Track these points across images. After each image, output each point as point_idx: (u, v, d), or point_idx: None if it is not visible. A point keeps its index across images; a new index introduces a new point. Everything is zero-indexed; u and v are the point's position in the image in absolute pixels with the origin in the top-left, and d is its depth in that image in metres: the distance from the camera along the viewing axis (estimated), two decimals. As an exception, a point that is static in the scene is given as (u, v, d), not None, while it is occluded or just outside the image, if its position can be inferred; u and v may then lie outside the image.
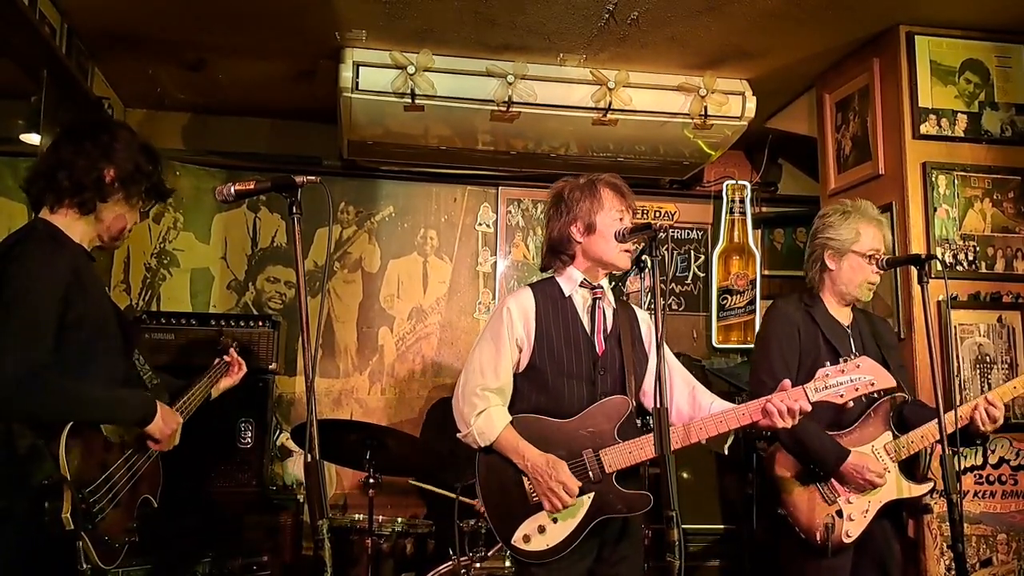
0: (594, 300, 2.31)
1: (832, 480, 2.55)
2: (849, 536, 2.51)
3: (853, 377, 2.19)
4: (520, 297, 2.31)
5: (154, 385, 2.26)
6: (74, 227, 2.00)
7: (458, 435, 2.25)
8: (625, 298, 2.39)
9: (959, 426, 2.49)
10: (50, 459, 1.76)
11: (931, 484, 2.61)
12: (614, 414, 2.18)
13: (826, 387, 2.18)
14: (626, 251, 2.27)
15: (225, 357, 2.63)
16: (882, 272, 2.68)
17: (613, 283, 2.46)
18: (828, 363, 2.60)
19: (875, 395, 2.37)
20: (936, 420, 2.49)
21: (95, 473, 1.88)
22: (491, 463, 2.20)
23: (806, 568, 2.56)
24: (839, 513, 2.52)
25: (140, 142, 2.11)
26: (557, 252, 2.35)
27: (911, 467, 2.63)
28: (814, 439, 2.50)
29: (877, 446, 2.58)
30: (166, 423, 2.07)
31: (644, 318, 2.44)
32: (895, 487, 2.57)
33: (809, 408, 2.17)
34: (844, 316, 2.74)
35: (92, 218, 2.02)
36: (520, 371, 2.28)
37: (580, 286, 2.32)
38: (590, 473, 2.14)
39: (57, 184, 1.97)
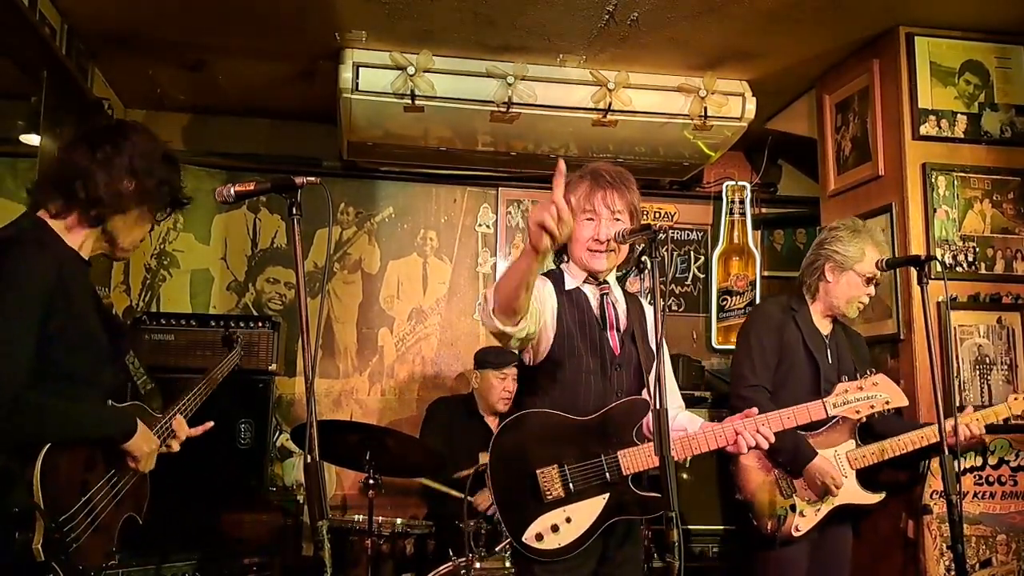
0: (601, 296, 2.26)
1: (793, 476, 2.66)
2: (798, 531, 2.61)
3: (870, 395, 2.23)
4: (546, 284, 2.23)
5: (148, 391, 2.19)
6: (74, 233, 1.88)
7: (495, 326, 1.94)
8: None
9: (951, 440, 2.54)
10: (23, 484, 1.65)
11: (883, 495, 2.71)
12: (633, 416, 2.15)
13: (845, 402, 2.21)
14: (595, 251, 2.17)
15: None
16: (872, 294, 2.78)
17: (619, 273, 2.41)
18: (808, 369, 2.74)
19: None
20: (899, 435, 2.69)
21: (72, 498, 1.77)
22: (505, 456, 2.14)
23: (763, 556, 2.68)
24: (792, 507, 2.62)
25: (162, 150, 1.99)
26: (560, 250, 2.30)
27: (868, 476, 2.71)
28: (789, 435, 2.51)
29: (840, 452, 2.67)
30: (145, 442, 1.94)
31: (650, 311, 2.37)
32: (850, 493, 2.66)
33: (770, 443, 2.14)
34: (824, 326, 2.86)
35: (99, 229, 1.91)
36: (537, 362, 2.22)
37: (585, 282, 2.27)
38: (607, 475, 2.10)
39: (71, 194, 1.84)
